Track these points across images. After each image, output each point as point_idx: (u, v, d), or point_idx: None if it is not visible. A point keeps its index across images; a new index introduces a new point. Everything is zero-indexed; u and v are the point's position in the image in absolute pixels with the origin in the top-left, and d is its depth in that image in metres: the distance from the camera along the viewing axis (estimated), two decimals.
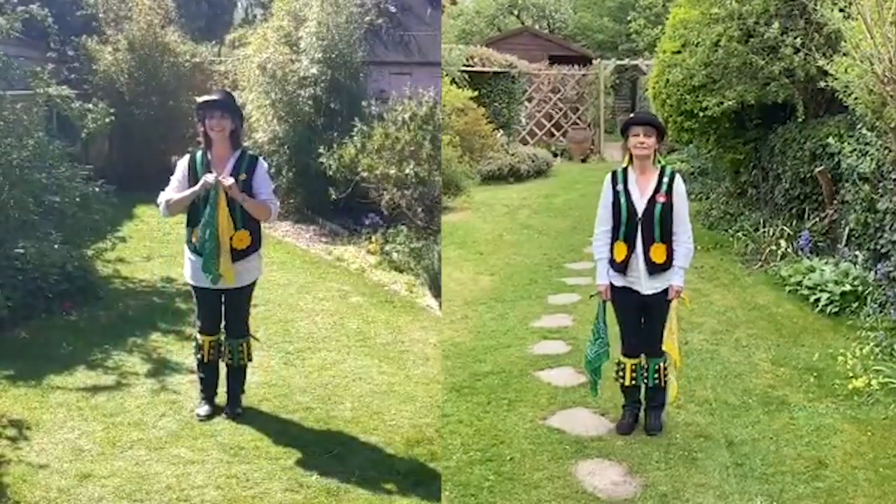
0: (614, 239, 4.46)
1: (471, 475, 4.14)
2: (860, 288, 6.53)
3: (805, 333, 6.19)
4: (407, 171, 8.33)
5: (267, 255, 8.19)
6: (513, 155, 15.17)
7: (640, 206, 4.39)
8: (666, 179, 4.42)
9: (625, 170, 4.50)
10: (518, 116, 17.72)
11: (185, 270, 4.70)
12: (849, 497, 3.87)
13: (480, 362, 5.72)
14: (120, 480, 3.98)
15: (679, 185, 4.43)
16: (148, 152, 10.68)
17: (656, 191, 4.39)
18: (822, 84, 6.96)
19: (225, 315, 4.75)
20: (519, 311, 6.96)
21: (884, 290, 6.35)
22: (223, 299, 4.70)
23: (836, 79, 6.42)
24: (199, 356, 4.79)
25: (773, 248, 8.15)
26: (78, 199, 7.00)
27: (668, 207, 4.37)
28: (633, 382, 4.59)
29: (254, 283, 4.77)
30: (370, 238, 8.73)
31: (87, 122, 9.02)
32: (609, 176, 4.53)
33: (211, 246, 4.44)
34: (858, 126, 6.89)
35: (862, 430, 4.54)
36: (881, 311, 6.19)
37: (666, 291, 4.44)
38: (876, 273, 6.56)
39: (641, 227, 4.38)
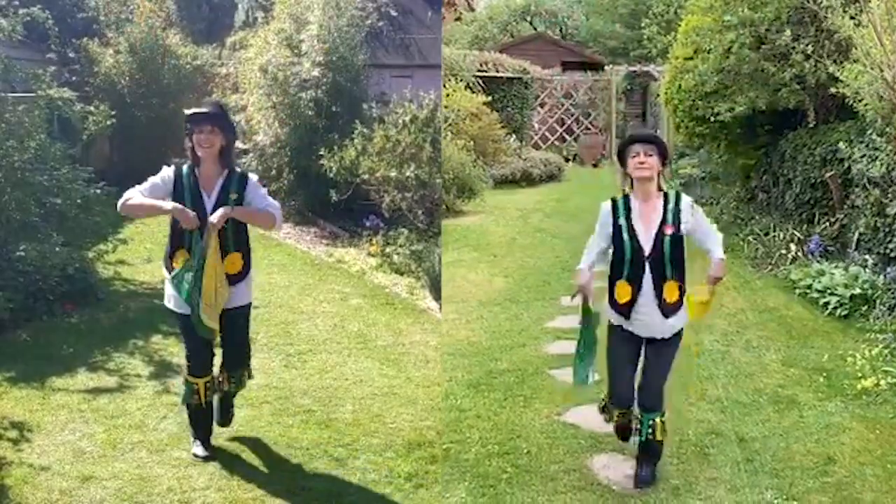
0: (616, 277, 3.91)
1: (489, 467, 4.24)
2: (869, 291, 6.58)
3: (815, 335, 6.24)
4: (407, 173, 8.35)
5: (268, 257, 8.28)
6: (525, 159, 15.27)
7: (647, 242, 3.81)
8: (671, 206, 3.83)
9: (626, 198, 3.90)
10: (530, 121, 17.83)
11: (167, 298, 4.16)
12: (856, 491, 3.96)
13: (497, 360, 5.79)
14: (121, 482, 3.98)
15: (686, 204, 3.87)
16: (149, 154, 10.63)
17: (663, 222, 3.81)
18: (833, 90, 7.02)
19: (223, 345, 4.24)
20: (533, 312, 7.02)
21: (893, 293, 6.40)
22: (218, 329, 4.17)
23: (846, 85, 6.45)
24: (192, 400, 4.22)
25: (784, 251, 8.20)
26: (79, 202, 7.02)
27: (677, 240, 3.81)
28: (620, 422, 4.15)
29: (248, 307, 4.27)
30: (371, 240, 8.74)
31: (88, 124, 9.05)
32: (608, 205, 3.93)
33: (196, 297, 3.93)
34: (868, 132, 6.97)
35: (870, 429, 4.62)
36: (890, 314, 6.25)
37: (677, 334, 3.93)
38: (885, 277, 6.62)
39: (650, 267, 3.81)
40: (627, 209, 3.87)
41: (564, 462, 4.29)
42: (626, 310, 3.88)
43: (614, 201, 3.91)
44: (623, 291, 3.88)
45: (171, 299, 4.13)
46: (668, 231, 3.79)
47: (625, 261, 3.85)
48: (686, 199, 3.89)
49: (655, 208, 3.84)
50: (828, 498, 3.91)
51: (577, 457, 4.35)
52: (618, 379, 4.04)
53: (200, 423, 4.31)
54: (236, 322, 4.22)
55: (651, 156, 3.79)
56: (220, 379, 4.31)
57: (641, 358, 3.99)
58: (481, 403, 5.04)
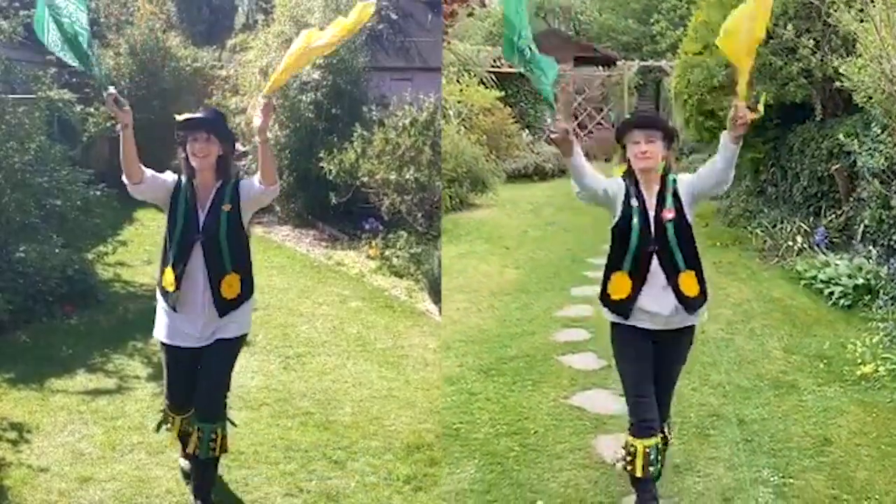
0: (613, 268, 3.48)
1: (497, 446, 4.40)
2: (873, 282, 6.68)
3: (818, 324, 6.35)
4: (407, 176, 8.36)
5: (267, 260, 8.29)
6: (538, 154, 15.54)
7: (652, 230, 3.43)
8: (669, 189, 3.45)
9: (635, 180, 3.49)
10: (543, 116, 18.03)
11: (157, 327, 3.76)
12: (850, 470, 4.09)
13: (506, 347, 5.96)
14: (120, 484, 3.98)
15: (683, 184, 3.47)
16: (149, 156, 10.55)
17: (659, 208, 3.43)
18: (839, 84, 7.08)
19: (201, 382, 3.66)
20: (543, 302, 7.18)
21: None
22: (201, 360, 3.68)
23: (848, 79, 6.54)
24: (166, 428, 3.94)
25: (790, 243, 8.31)
26: (79, 203, 7.03)
27: (680, 224, 3.41)
28: (651, 470, 3.43)
29: (242, 340, 3.78)
30: (370, 243, 8.75)
31: (88, 125, 9.06)
32: (621, 182, 3.53)
33: None
34: (873, 125, 7.04)
35: (867, 412, 4.74)
36: (893, 304, 6.34)
37: (691, 328, 3.54)
38: (889, 268, 6.73)
39: (658, 258, 3.41)
40: (638, 190, 3.44)
41: (570, 442, 4.45)
42: (622, 307, 3.46)
43: (626, 182, 3.50)
44: (621, 286, 3.45)
45: (161, 328, 3.75)
46: (668, 216, 3.40)
47: (629, 249, 3.42)
48: (683, 179, 3.49)
49: (653, 195, 3.47)
50: (823, 476, 4.04)
51: (582, 437, 4.51)
52: (640, 396, 3.44)
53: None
54: (221, 354, 3.66)
55: (653, 142, 3.37)
56: (189, 437, 3.69)
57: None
58: (491, 387, 5.22)
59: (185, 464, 3.99)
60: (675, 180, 3.48)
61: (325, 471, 4.20)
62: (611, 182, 3.48)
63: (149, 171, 3.68)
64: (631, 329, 3.49)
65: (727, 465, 4.15)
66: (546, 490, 3.97)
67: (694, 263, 3.44)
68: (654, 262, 3.40)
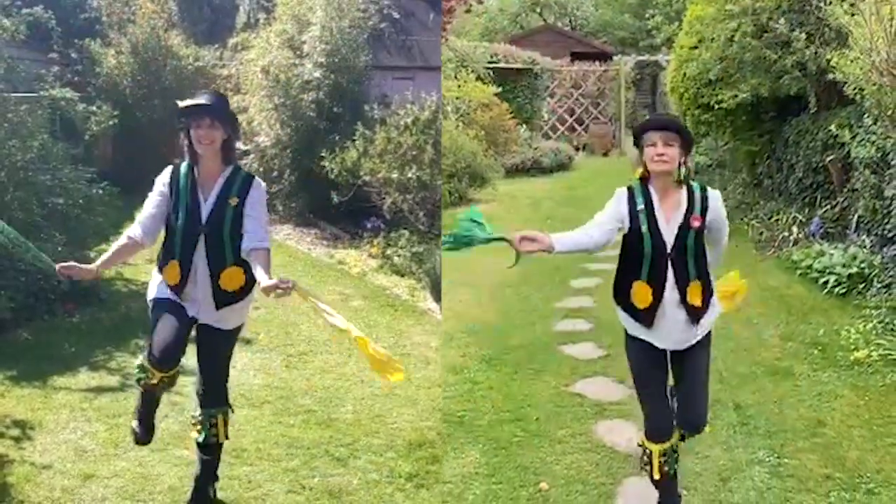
0: (632, 277, 3.35)
1: (501, 432, 4.57)
2: (867, 270, 6.75)
3: (813, 312, 6.44)
4: (409, 175, 8.37)
5: None
6: (536, 149, 15.67)
7: (669, 236, 3.27)
8: (698, 195, 3.30)
9: (644, 184, 3.33)
10: (541, 111, 18.20)
11: (150, 290, 3.66)
12: (843, 450, 4.23)
13: (508, 337, 6.13)
14: (123, 481, 4.00)
15: (716, 201, 3.34)
16: (151, 155, 10.62)
17: (688, 213, 3.28)
18: (832, 76, 7.13)
19: (200, 369, 3.68)
20: (543, 294, 7.34)
21: (889, 272, 6.57)
22: (196, 342, 3.66)
23: (840, 71, 6.59)
24: (142, 386, 3.61)
25: (786, 234, 8.41)
26: (81, 202, 7.04)
27: (701, 234, 3.30)
28: (666, 470, 3.42)
29: (239, 330, 3.77)
30: (372, 242, 8.75)
31: (90, 124, 9.07)
32: (623, 191, 3.35)
33: None
34: (865, 116, 7.12)
35: (860, 396, 4.87)
36: (886, 292, 6.40)
37: (702, 340, 3.41)
38: (883, 257, 6.79)
39: (673, 265, 3.29)
40: (647, 197, 3.30)
41: (571, 427, 4.58)
42: (648, 316, 3.33)
43: (630, 188, 3.34)
44: (643, 295, 3.32)
45: (154, 289, 3.63)
46: (695, 224, 3.26)
47: (643, 257, 3.28)
48: (715, 193, 3.37)
49: (677, 201, 3.29)
50: (816, 456, 4.16)
51: (584, 423, 4.65)
52: (652, 400, 3.41)
53: (146, 405, 3.72)
54: (218, 344, 3.68)
55: (671, 146, 3.20)
56: (193, 421, 3.73)
57: (670, 375, 3.47)
58: (494, 376, 5.37)
59: (136, 425, 3.76)
60: (704, 189, 3.34)
61: (327, 468, 4.21)
62: (612, 211, 3.31)
63: (145, 224, 3.53)
64: (645, 346, 3.40)
65: (724, 447, 4.28)
66: (549, 472, 4.10)
67: (702, 272, 3.35)
68: (670, 271, 3.29)
